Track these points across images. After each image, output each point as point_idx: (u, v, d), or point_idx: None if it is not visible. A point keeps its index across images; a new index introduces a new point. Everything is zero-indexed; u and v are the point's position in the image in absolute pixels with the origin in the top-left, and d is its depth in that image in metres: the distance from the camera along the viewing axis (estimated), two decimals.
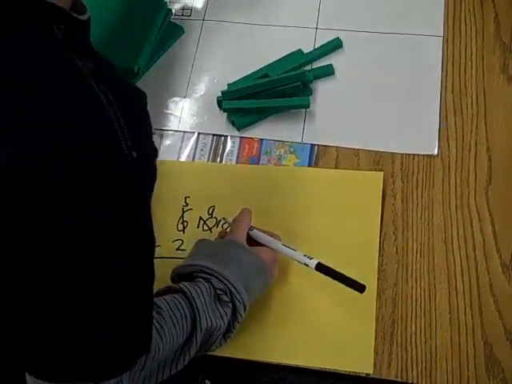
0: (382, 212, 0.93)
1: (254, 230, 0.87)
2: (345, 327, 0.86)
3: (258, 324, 0.87)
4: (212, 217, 0.95)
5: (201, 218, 0.95)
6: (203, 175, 0.99)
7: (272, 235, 0.87)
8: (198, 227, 0.95)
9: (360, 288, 0.79)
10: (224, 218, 0.92)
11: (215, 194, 0.97)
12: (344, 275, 0.80)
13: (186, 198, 0.97)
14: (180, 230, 0.95)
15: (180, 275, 0.80)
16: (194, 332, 0.72)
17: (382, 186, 0.94)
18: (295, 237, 0.91)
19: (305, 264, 0.82)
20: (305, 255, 0.83)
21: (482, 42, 1.04)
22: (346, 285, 0.80)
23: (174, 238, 0.94)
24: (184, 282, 0.76)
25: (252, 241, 0.86)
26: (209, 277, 0.77)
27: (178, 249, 0.93)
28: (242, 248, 0.82)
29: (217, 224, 0.94)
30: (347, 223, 0.92)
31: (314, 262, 0.82)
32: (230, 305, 0.77)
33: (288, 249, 0.85)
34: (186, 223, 0.95)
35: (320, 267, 0.82)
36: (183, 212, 0.96)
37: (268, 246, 0.86)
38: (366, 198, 0.93)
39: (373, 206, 0.93)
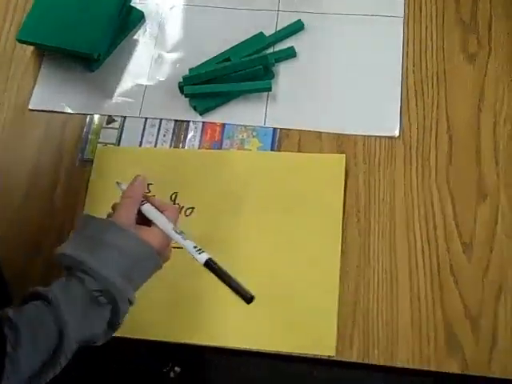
0: (344, 194, 0.93)
1: (146, 205, 0.77)
2: (307, 310, 0.86)
3: (219, 309, 0.87)
4: (175, 203, 0.95)
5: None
6: (166, 162, 0.99)
7: (167, 209, 0.78)
8: None
9: (247, 298, 0.72)
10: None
11: (178, 181, 0.96)
12: (233, 280, 0.72)
13: (148, 184, 0.96)
14: None
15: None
16: (60, 350, 0.67)
17: (344, 168, 0.94)
18: (259, 221, 0.92)
19: (193, 257, 0.74)
20: (195, 247, 0.74)
21: (442, 22, 1.03)
22: (233, 290, 0.72)
23: None
24: (54, 287, 0.70)
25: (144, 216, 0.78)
26: (84, 276, 0.69)
27: None
28: (125, 233, 0.73)
29: (179, 210, 0.94)
30: (310, 206, 0.92)
31: (203, 258, 0.73)
32: (109, 306, 0.70)
33: (178, 235, 0.75)
34: None
35: (209, 264, 0.73)
36: None
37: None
38: (329, 181, 0.93)
39: (335, 188, 0.93)
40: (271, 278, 0.88)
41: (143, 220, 0.77)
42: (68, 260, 0.71)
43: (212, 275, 0.73)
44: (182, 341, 0.86)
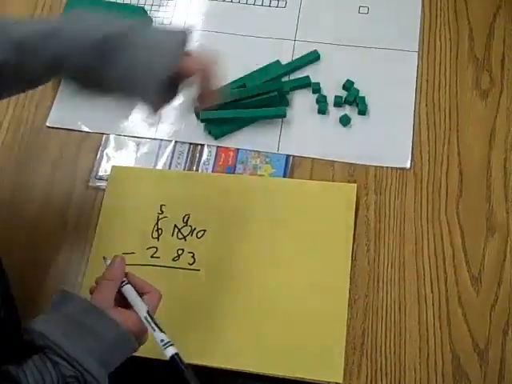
0: (354, 223, 0.94)
1: (127, 286, 0.76)
2: (316, 336, 0.87)
3: (227, 330, 0.88)
4: (187, 225, 0.96)
5: (175, 225, 0.96)
6: (179, 184, 1.00)
7: (149, 292, 0.76)
8: (172, 235, 0.95)
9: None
10: (104, 258, 0.80)
11: (190, 203, 0.97)
12: (194, 379, 0.70)
13: (161, 205, 0.97)
14: (155, 238, 0.95)
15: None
16: None
17: (355, 197, 0.95)
18: (269, 246, 0.93)
19: (161, 349, 0.71)
20: (162, 340, 0.71)
21: (456, 58, 1.06)
22: None
23: (148, 246, 0.95)
24: (25, 369, 0.67)
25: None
26: (59, 360, 0.68)
27: (152, 256, 0.94)
28: (103, 318, 0.71)
29: (191, 232, 0.95)
30: (320, 234, 0.93)
31: (169, 352, 0.70)
32: None
33: (149, 324, 0.72)
34: (160, 231, 0.96)
35: (173, 360, 0.70)
36: (158, 220, 0.97)
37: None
38: (340, 210, 0.95)
39: (346, 217, 0.94)
40: (280, 303, 0.89)
41: (124, 300, 0.75)
42: (43, 340, 0.69)
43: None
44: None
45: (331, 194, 0.96)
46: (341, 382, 0.84)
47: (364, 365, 0.85)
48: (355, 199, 0.95)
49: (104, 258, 0.80)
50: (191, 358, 0.84)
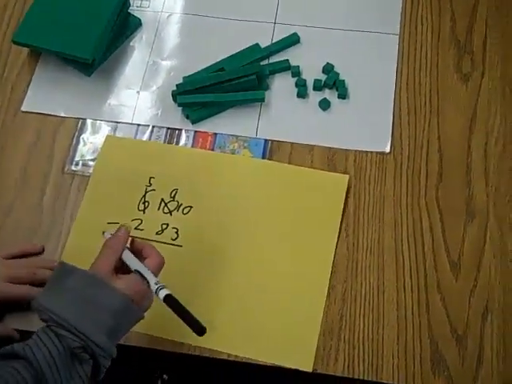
0: None
1: (125, 252, 0.77)
2: (292, 323, 0.86)
3: (202, 310, 0.86)
4: (174, 200, 0.95)
5: (162, 199, 0.95)
6: (170, 157, 0.99)
7: (150, 255, 0.78)
8: (158, 209, 0.94)
9: (199, 330, 0.71)
10: (103, 232, 0.82)
11: (180, 178, 0.96)
12: (188, 313, 0.72)
13: (150, 178, 0.96)
14: (140, 210, 0.94)
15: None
16: None
17: (345, 189, 0.94)
18: (254, 228, 0.92)
19: (155, 292, 0.74)
20: (156, 283, 0.74)
21: (438, 41, 1.04)
22: (187, 324, 0.71)
23: (133, 217, 0.94)
24: (30, 344, 0.68)
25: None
26: (64, 333, 0.68)
27: (135, 228, 0.93)
28: (105, 288, 0.72)
29: (177, 208, 0.94)
30: (306, 220, 0.92)
31: (162, 293, 0.73)
32: (91, 361, 0.69)
33: (144, 268, 0.75)
34: (147, 203, 0.95)
35: (167, 299, 0.72)
36: (146, 192, 0.96)
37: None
38: (329, 200, 0.93)
39: (334, 206, 0.93)
40: (260, 287, 0.88)
41: (122, 265, 0.77)
42: (47, 314, 0.70)
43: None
44: (170, 337, 0.86)
45: (322, 183, 0.95)
46: (310, 371, 0.83)
47: (341, 350, 0.85)
48: (345, 190, 0.93)
49: (103, 232, 0.82)
50: (165, 333, 0.85)
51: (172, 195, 0.95)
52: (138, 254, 0.78)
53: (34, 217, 0.95)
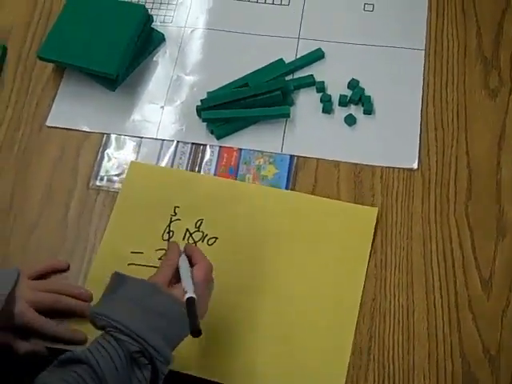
0: None
1: (181, 259, 0.79)
2: (319, 351, 0.84)
3: (226, 345, 0.86)
4: (199, 230, 0.93)
5: (187, 230, 0.93)
6: (196, 186, 0.97)
7: (198, 262, 0.79)
8: (183, 239, 0.93)
9: (196, 333, 0.72)
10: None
11: (205, 208, 0.95)
12: (196, 318, 0.72)
13: (175, 207, 0.95)
14: (165, 240, 0.93)
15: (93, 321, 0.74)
16: None
17: (375, 221, 0.91)
18: (281, 260, 0.90)
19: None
20: (186, 291, 0.74)
21: (464, 57, 1.03)
22: (191, 324, 0.72)
23: (157, 247, 0.92)
24: (91, 349, 0.69)
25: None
26: (123, 337, 0.69)
27: (160, 258, 0.91)
28: (161, 294, 0.74)
29: (202, 238, 0.92)
30: (336, 254, 0.90)
31: (187, 295, 0.74)
32: (149, 366, 0.70)
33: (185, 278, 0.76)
34: (172, 233, 0.93)
35: (188, 300, 0.73)
36: (171, 221, 0.94)
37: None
38: (358, 233, 0.91)
39: (364, 239, 0.91)
40: (286, 321, 0.87)
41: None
42: (105, 321, 0.71)
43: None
44: (185, 371, 0.83)
45: (351, 216, 0.92)
46: None
47: (371, 370, 0.83)
48: (375, 223, 0.92)
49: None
50: (187, 367, 0.83)
51: (197, 225, 0.93)
52: (189, 259, 0.80)
53: (59, 233, 0.95)
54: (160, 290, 0.74)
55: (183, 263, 0.79)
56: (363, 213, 0.93)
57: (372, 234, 0.91)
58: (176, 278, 0.77)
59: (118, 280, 0.76)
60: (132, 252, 0.91)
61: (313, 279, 0.89)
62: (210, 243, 0.92)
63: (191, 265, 0.79)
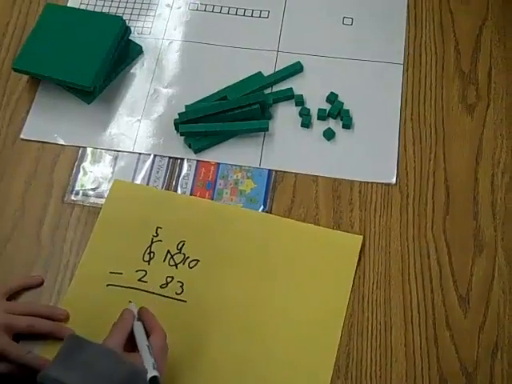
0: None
1: (136, 325, 0.79)
2: (302, 375, 0.83)
3: (206, 367, 0.84)
4: (180, 252, 0.92)
5: (169, 251, 0.92)
6: (179, 207, 0.95)
7: (154, 332, 0.78)
8: (164, 261, 0.91)
9: None
10: (130, 301, 0.84)
11: (188, 230, 0.93)
12: None
13: (157, 228, 0.93)
14: (146, 261, 0.91)
15: None
16: None
17: (359, 249, 0.90)
18: (261, 287, 0.89)
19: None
20: (150, 365, 0.73)
21: (442, 71, 1.04)
22: None
23: (137, 268, 0.90)
24: None
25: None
26: None
27: (139, 279, 0.90)
28: (114, 360, 0.72)
29: (184, 261, 0.91)
30: (318, 281, 0.89)
31: (150, 373, 0.72)
32: None
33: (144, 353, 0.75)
34: (152, 254, 0.92)
35: (152, 381, 0.72)
36: (152, 242, 0.92)
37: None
38: (342, 259, 0.90)
39: (347, 265, 0.89)
40: (267, 342, 0.86)
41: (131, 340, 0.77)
42: None
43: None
44: None
45: (335, 242, 0.91)
46: None
47: None
48: (359, 250, 0.91)
49: (130, 301, 0.84)
50: None
51: (179, 247, 0.92)
52: (144, 324, 0.79)
53: (33, 247, 0.93)
54: (116, 355, 0.72)
55: (139, 330, 0.78)
56: (347, 240, 0.92)
57: (356, 260, 0.90)
58: (130, 342, 0.76)
59: (76, 343, 0.74)
60: (111, 272, 0.90)
61: (294, 305, 0.88)
62: (191, 266, 0.91)
63: (146, 332, 0.78)
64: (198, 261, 0.91)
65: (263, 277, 0.90)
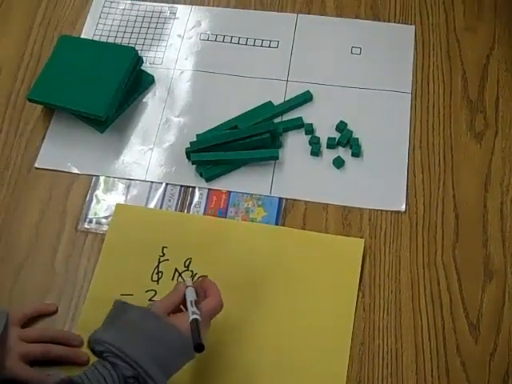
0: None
1: (189, 290, 0.80)
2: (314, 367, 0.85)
3: (214, 377, 0.86)
4: (188, 269, 0.93)
5: (176, 269, 0.93)
6: (183, 226, 0.97)
7: (210, 295, 0.80)
8: (172, 279, 0.93)
9: (199, 348, 0.73)
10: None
11: (193, 247, 0.95)
12: (199, 337, 0.73)
13: (163, 247, 0.95)
14: (154, 281, 0.93)
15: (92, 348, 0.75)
16: None
17: (362, 253, 0.92)
18: (271, 295, 0.90)
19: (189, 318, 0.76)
20: (193, 313, 0.76)
21: (450, 100, 1.05)
22: (193, 340, 0.73)
23: (147, 288, 0.92)
24: (86, 373, 0.71)
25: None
26: (119, 362, 0.71)
27: (150, 299, 0.91)
28: (160, 321, 0.75)
29: (192, 277, 0.92)
30: (325, 288, 0.91)
31: (192, 316, 0.75)
32: None
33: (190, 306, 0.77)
34: (161, 274, 0.93)
35: (192, 322, 0.75)
36: (159, 262, 0.94)
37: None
38: (346, 264, 0.92)
39: (351, 271, 0.91)
40: (279, 353, 0.87)
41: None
42: (102, 346, 0.72)
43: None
44: None
45: (338, 248, 0.93)
46: None
47: None
48: (362, 254, 0.92)
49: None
50: None
51: (186, 264, 0.93)
52: (205, 292, 0.81)
53: (47, 275, 0.94)
54: (159, 317, 0.75)
55: (190, 293, 0.80)
56: (349, 244, 0.93)
57: (360, 264, 0.91)
58: (179, 309, 0.79)
59: (119, 308, 0.77)
60: (122, 294, 0.91)
61: (302, 314, 0.89)
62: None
63: (205, 296, 0.80)
64: (206, 276, 0.92)
65: (270, 289, 0.91)
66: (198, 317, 0.75)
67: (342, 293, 0.90)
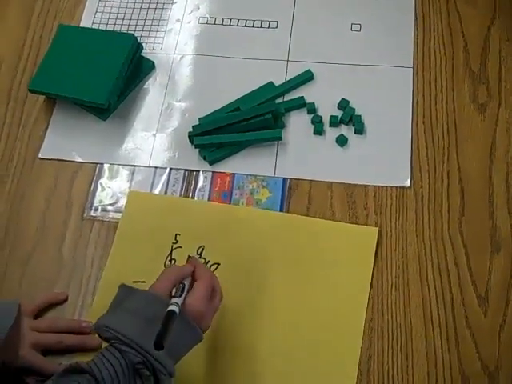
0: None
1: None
2: (325, 375, 0.84)
3: (229, 369, 0.86)
4: (201, 257, 0.93)
5: (189, 257, 0.94)
6: (196, 213, 0.97)
7: (201, 278, 0.79)
8: None
9: (158, 345, 0.70)
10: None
11: (206, 234, 0.95)
12: (167, 331, 0.71)
13: (176, 234, 0.95)
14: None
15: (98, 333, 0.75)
16: None
17: (375, 242, 0.92)
18: (283, 286, 0.90)
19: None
20: (173, 303, 0.74)
21: (452, 72, 1.04)
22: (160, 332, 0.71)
23: None
24: (95, 360, 0.71)
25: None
26: (126, 349, 0.71)
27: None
28: (163, 305, 0.74)
29: (205, 265, 0.92)
30: (338, 276, 0.90)
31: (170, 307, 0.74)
32: (152, 378, 0.71)
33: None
34: (174, 261, 0.93)
35: (167, 314, 0.73)
36: (172, 249, 0.94)
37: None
38: (359, 253, 0.91)
39: (365, 259, 0.91)
40: (290, 343, 0.87)
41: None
42: (109, 333, 0.72)
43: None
44: None
45: (352, 236, 0.93)
46: None
47: None
48: (376, 243, 0.92)
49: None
50: None
51: (199, 252, 0.93)
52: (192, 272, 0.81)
53: (55, 264, 0.95)
54: (163, 300, 0.74)
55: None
56: (363, 233, 0.93)
57: (373, 254, 0.91)
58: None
59: (125, 292, 0.77)
60: (134, 281, 0.91)
61: (315, 303, 0.89)
62: (212, 269, 0.92)
63: (193, 279, 0.80)
64: (219, 264, 0.92)
65: (283, 276, 0.91)
66: (175, 308, 0.73)
67: (355, 282, 0.90)
